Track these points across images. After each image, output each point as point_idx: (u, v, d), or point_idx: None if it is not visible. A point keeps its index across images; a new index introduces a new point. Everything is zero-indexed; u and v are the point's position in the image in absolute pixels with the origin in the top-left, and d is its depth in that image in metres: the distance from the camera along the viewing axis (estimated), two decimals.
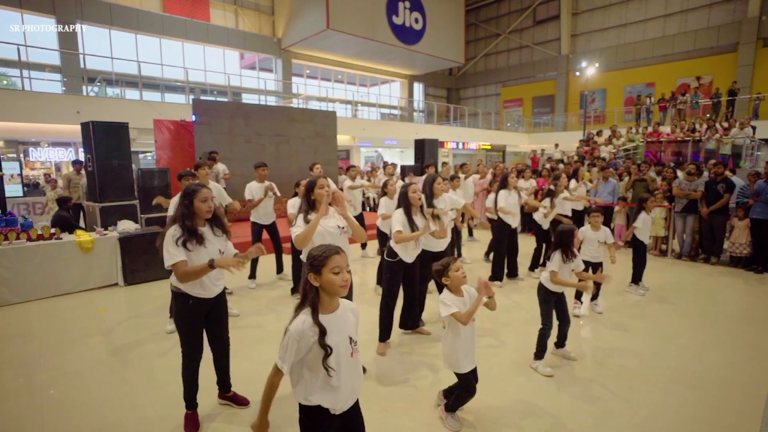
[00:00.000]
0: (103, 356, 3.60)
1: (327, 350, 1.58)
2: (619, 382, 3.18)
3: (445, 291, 2.53)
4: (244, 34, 19.27)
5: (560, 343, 3.54)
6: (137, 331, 4.12)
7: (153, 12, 16.70)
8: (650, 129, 13.34)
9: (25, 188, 9.83)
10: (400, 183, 4.86)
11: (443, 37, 22.43)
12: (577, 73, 21.65)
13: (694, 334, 4.08)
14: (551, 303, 3.36)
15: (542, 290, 3.37)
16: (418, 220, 3.55)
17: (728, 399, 2.95)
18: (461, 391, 2.57)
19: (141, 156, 16.73)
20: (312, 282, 1.62)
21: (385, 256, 3.68)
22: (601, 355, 3.66)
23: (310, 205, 3.03)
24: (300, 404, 1.68)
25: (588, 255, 4.53)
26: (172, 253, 2.32)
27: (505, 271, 5.72)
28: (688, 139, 11.33)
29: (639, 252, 5.26)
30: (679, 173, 7.70)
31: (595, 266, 4.63)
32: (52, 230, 5.26)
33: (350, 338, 1.68)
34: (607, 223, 7.75)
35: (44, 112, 10.03)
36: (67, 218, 6.58)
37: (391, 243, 3.58)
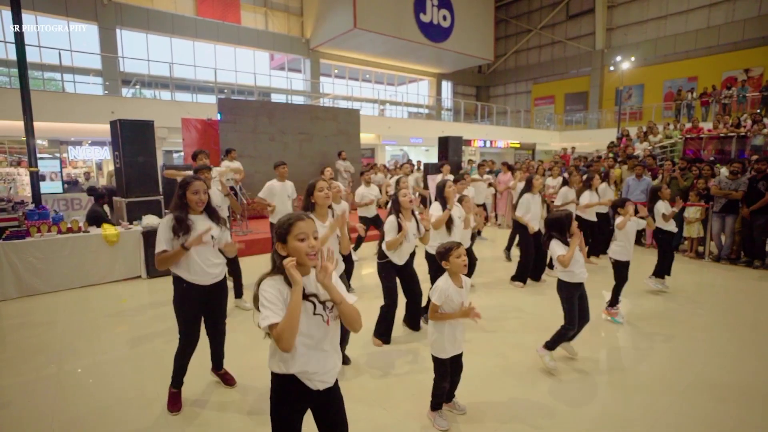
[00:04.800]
0: (126, 345, 3.73)
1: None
2: (637, 389, 2.98)
3: (443, 276, 2.48)
4: (273, 35, 19.65)
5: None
6: (157, 321, 4.24)
7: (187, 16, 17.31)
8: (689, 125, 12.57)
9: (65, 185, 10.39)
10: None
11: (472, 35, 22.03)
12: (612, 68, 20.75)
13: (723, 341, 3.79)
14: (574, 299, 3.12)
15: (562, 287, 3.16)
16: (407, 223, 3.46)
17: (755, 413, 2.71)
18: (436, 377, 2.51)
19: (175, 155, 17.37)
20: (279, 251, 1.57)
21: (377, 258, 3.65)
22: (618, 360, 3.46)
23: (308, 206, 2.98)
24: (273, 373, 1.63)
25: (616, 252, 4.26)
26: (159, 241, 2.48)
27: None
28: (731, 135, 10.59)
29: (663, 243, 5.02)
30: (721, 171, 7.22)
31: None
32: (81, 223, 5.50)
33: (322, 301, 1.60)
34: None
35: (82, 112, 10.58)
36: (99, 213, 6.89)
37: (382, 245, 3.54)
